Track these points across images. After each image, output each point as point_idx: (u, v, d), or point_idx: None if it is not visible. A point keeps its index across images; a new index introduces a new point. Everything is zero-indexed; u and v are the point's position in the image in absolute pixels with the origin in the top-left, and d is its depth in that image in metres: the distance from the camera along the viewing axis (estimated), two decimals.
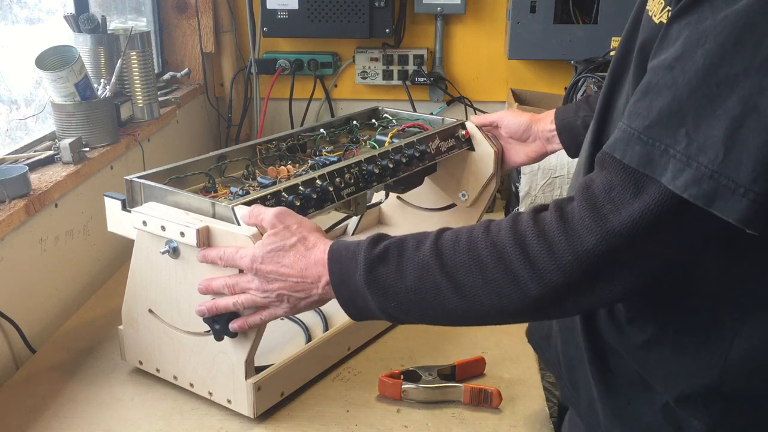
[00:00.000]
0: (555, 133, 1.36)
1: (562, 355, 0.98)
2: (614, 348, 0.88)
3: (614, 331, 0.87)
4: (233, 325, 1.00)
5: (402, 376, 1.15)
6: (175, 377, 1.15)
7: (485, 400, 1.12)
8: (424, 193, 1.63)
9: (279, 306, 0.96)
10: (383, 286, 0.85)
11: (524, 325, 1.36)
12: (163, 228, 1.04)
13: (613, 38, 2.07)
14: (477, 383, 1.16)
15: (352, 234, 1.68)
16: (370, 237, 0.89)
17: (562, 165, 1.85)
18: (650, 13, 0.79)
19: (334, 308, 1.35)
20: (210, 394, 1.11)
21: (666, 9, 0.76)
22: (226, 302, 0.99)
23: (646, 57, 0.78)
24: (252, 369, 1.07)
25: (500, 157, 1.49)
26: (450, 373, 1.17)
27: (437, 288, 0.81)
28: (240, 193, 1.16)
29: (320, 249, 0.93)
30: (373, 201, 1.73)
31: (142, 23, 2.14)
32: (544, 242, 0.75)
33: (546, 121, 1.39)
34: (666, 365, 0.84)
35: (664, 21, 0.76)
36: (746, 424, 0.82)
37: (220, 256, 0.98)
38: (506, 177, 2.04)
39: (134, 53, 1.72)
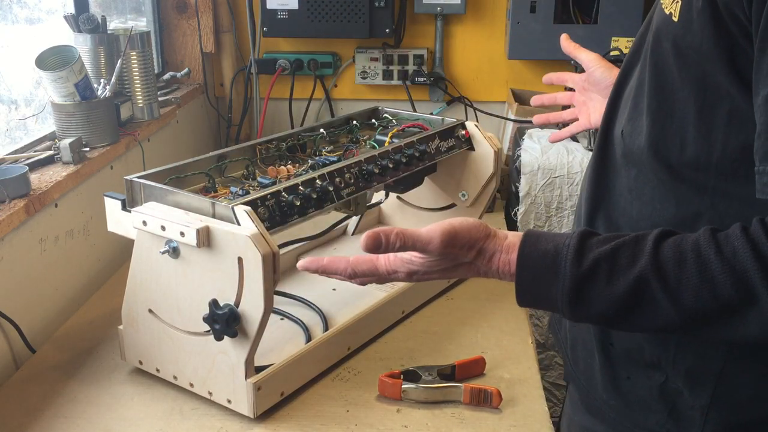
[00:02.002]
0: None
1: (569, 332, 1.01)
2: None
3: None
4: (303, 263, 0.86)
5: (402, 376, 1.15)
6: (175, 377, 1.15)
7: (485, 400, 1.12)
8: (424, 193, 1.63)
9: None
10: (587, 302, 0.77)
11: (524, 326, 1.36)
12: (163, 228, 1.04)
13: (613, 38, 2.07)
14: (477, 383, 1.16)
15: (352, 234, 1.68)
16: (575, 243, 0.77)
17: (562, 165, 1.85)
18: (663, 5, 0.80)
19: (334, 308, 1.36)
20: (210, 394, 1.11)
21: (676, 1, 0.77)
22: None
23: (661, 47, 0.79)
24: (252, 369, 1.07)
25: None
26: (450, 373, 1.17)
27: (654, 304, 0.74)
28: (240, 192, 1.16)
29: (503, 259, 0.81)
30: (373, 201, 1.73)
31: (142, 23, 2.14)
32: None
33: None
34: (673, 345, 0.85)
35: (674, 12, 0.77)
36: (740, 405, 0.84)
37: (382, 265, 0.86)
38: (506, 177, 2.04)
39: (134, 53, 1.72)
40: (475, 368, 1.20)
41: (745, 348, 0.81)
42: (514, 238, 0.82)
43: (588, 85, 1.23)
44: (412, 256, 0.84)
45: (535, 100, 1.34)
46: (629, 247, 0.76)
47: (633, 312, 0.75)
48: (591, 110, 1.23)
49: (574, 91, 1.28)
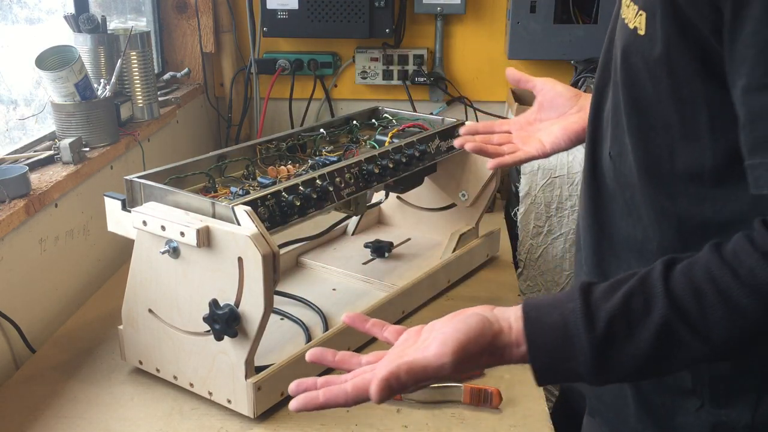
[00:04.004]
0: None
1: None
2: None
3: None
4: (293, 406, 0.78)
5: None
6: (175, 377, 1.15)
7: (485, 400, 1.12)
8: (424, 193, 1.63)
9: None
10: (614, 366, 0.72)
11: None
12: (163, 228, 1.04)
13: None
14: (477, 383, 1.15)
15: (352, 234, 1.69)
16: (581, 306, 0.72)
17: (562, 165, 1.85)
18: (625, 20, 0.79)
19: (334, 308, 1.36)
20: (210, 394, 1.11)
21: (639, 13, 0.75)
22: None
23: (630, 63, 0.78)
24: (252, 369, 1.07)
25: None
26: None
27: (685, 347, 0.70)
28: (240, 192, 1.16)
29: (514, 353, 0.76)
30: (373, 201, 1.73)
31: (142, 23, 2.14)
32: None
33: None
34: (706, 368, 0.82)
35: (639, 26, 0.75)
36: None
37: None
38: (506, 177, 2.04)
39: (134, 53, 1.72)
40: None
41: None
42: (518, 323, 0.76)
43: (540, 113, 1.17)
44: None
45: (510, 74, 1.23)
46: (639, 294, 0.71)
47: (664, 361, 0.71)
48: (543, 138, 1.13)
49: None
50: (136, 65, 1.73)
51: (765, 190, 0.66)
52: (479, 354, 0.76)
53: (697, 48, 0.71)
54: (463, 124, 1.52)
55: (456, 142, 1.14)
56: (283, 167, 1.29)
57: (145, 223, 1.06)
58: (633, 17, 0.77)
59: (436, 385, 1.12)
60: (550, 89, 1.18)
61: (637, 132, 0.80)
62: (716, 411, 0.83)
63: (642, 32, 0.75)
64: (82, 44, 1.61)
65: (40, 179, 1.37)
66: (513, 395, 1.15)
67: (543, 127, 1.16)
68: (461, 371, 0.76)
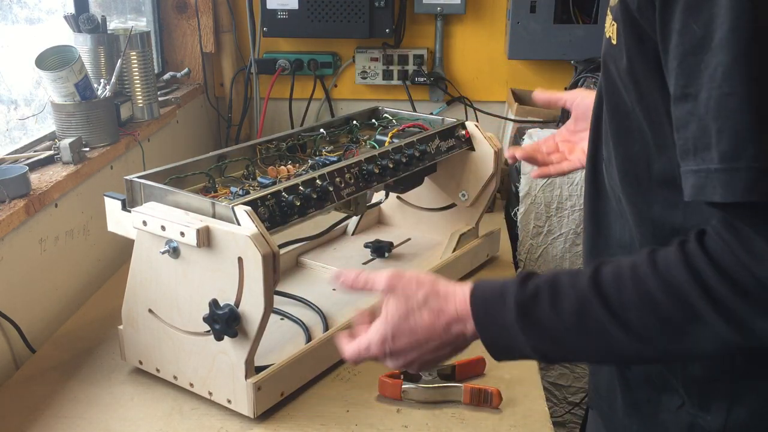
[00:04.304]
0: None
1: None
2: None
3: None
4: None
5: (402, 376, 1.15)
6: (175, 377, 1.15)
7: (485, 400, 1.12)
8: (424, 193, 1.63)
9: (412, 369, 0.89)
10: (539, 327, 0.77)
11: None
12: (163, 228, 1.04)
13: None
14: (477, 383, 1.15)
15: (352, 234, 1.68)
16: (518, 277, 0.80)
17: None
18: (605, 29, 0.82)
19: (334, 308, 1.36)
20: (210, 394, 1.11)
21: (612, 23, 0.78)
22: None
23: (609, 71, 0.81)
24: (252, 369, 1.07)
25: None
26: (450, 373, 1.17)
27: (602, 329, 0.74)
28: (240, 192, 1.16)
29: (459, 296, 0.82)
30: (373, 201, 1.73)
31: (142, 23, 2.14)
32: (721, 274, 0.68)
33: None
34: (680, 368, 0.85)
35: (612, 35, 0.78)
36: (756, 428, 0.83)
37: (355, 354, 0.88)
38: (506, 177, 2.04)
39: (134, 53, 1.72)
40: (475, 368, 1.20)
41: (751, 367, 0.80)
42: (464, 287, 0.82)
43: (577, 124, 1.22)
44: (371, 324, 0.86)
45: (538, 96, 1.28)
46: (570, 274, 0.77)
47: (585, 337, 0.75)
48: (581, 151, 1.19)
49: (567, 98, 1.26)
50: (136, 65, 1.73)
51: (691, 198, 0.68)
52: (416, 282, 0.84)
53: (654, 59, 0.73)
54: (463, 124, 1.52)
55: (507, 153, 1.22)
56: (283, 167, 1.29)
57: (145, 223, 1.06)
58: (609, 26, 0.80)
59: (436, 385, 1.13)
60: (581, 102, 1.21)
61: (616, 138, 0.84)
62: (694, 412, 0.85)
63: (614, 42, 0.78)
64: (82, 44, 1.61)
65: (40, 179, 1.37)
66: (513, 395, 1.15)
67: (584, 137, 1.16)
68: (399, 299, 0.83)
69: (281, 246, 1.47)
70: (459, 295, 0.82)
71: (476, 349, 1.25)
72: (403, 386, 1.12)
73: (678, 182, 0.71)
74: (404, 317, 0.83)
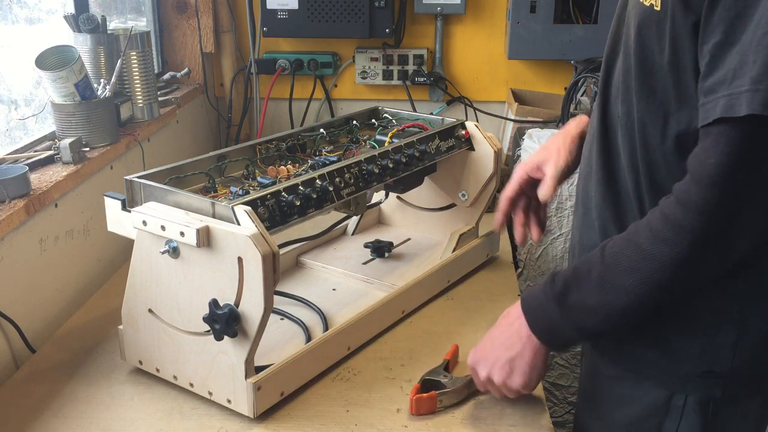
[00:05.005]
0: None
1: None
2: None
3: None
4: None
5: (422, 389, 1.12)
6: (174, 377, 1.15)
7: None
8: (424, 193, 1.63)
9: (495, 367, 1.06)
10: (570, 304, 0.97)
11: None
12: (163, 228, 1.04)
13: None
14: None
15: (352, 234, 1.69)
16: (548, 279, 1.01)
17: None
18: (647, 3, 0.91)
19: (334, 308, 1.36)
20: (210, 393, 1.11)
21: None
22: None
23: (643, 36, 0.92)
24: (252, 369, 1.07)
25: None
26: (446, 368, 1.18)
27: (602, 279, 0.93)
28: (240, 192, 1.16)
29: (515, 306, 1.06)
30: (373, 201, 1.73)
31: (142, 23, 2.15)
32: (678, 203, 0.86)
33: None
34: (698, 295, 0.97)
35: (655, 3, 0.88)
36: (761, 341, 0.98)
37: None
38: (506, 177, 2.04)
39: (134, 53, 1.72)
40: (457, 357, 1.22)
41: (754, 291, 0.95)
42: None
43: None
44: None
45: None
46: (583, 263, 0.99)
47: (603, 291, 0.94)
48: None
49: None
50: (136, 65, 1.73)
51: (718, 115, 0.81)
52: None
53: (694, 25, 0.85)
54: (462, 124, 1.52)
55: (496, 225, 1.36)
56: (283, 167, 1.29)
57: (145, 223, 1.06)
58: None
59: (462, 383, 1.14)
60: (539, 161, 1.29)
61: (640, 95, 0.94)
62: (708, 335, 0.98)
63: (657, 7, 0.88)
64: (82, 44, 1.61)
65: (40, 179, 1.37)
66: None
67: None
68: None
69: (281, 246, 1.47)
70: (515, 306, 1.06)
71: None
72: (438, 396, 1.11)
73: (691, 138, 0.87)
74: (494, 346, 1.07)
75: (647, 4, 0.91)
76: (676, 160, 0.92)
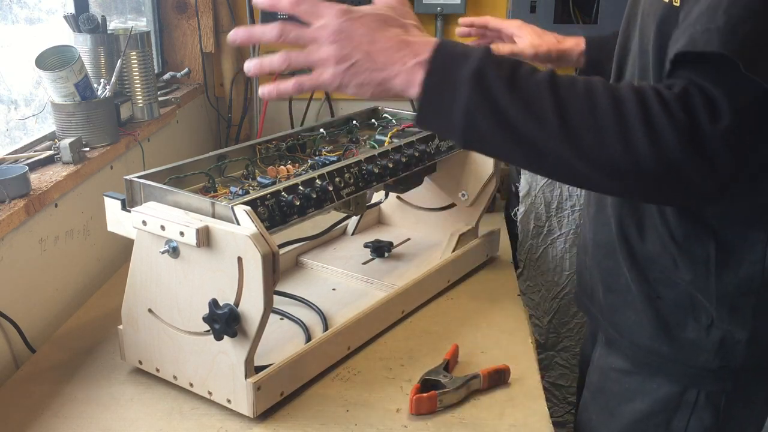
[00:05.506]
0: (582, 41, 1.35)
1: (604, 302, 1.12)
2: (664, 276, 1.01)
3: (667, 258, 1.00)
4: (263, 90, 0.89)
5: (422, 389, 1.13)
6: (174, 377, 1.15)
7: (500, 379, 1.15)
8: (424, 193, 1.63)
9: (335, 70, 0.85)
10: (488, 87, 0.80)
11: (524, 326, 1.36)
12: (162, 228, 1.04)
13: None
14: (488, 366, 1.17)
15: (352, 234, 1.69)
16: (487, 47, 0.85)
17: None
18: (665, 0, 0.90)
19: (334, 308, 1.36)
20: (210, 393, 1.11)
21: None
22: (279, 59, 0.91)
23: (663, 32, 0.89)
24: (252, 369, 1.07)
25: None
26: (446, 368, 1.18)
27: (542, 113, 0.79)
28: (240, 192, 1.16)
29: (425, 38, 0.87)
30: (373, 201, 1.73)
31: (142, 23, 2.15)
32: (667, 110, 0.77)
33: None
34: (714, 287, 0.98)
35: (674, 0, 0.87)
36: None
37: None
38: (506, 176, 2.04)
39: (134, 53, 1.72)
40: (457, 356, 1.22)
41: None
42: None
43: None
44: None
45: (463, 21, 1.36)
46: (531, 66, 0.83)
47: (524, 119, 0.79)
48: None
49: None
50: (136, 65, 1.73)
51: (684, 48, 0.80)
52: (399, 17, 0.90)
53: None
54: None
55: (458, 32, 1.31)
56: (282, 167, 1.29)
57: (144, 223, 1.06)
58: None
59: (462, 382, 1.13)
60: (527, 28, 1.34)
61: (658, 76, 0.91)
62: (724, 327, 0.99)
63: (677, 4, 0.87)
64: (82, 44, 1.61)
65: (40, 179, 1.37)
66: (513, 395, 1.15)
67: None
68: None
69: (281, 246, 1.47)
70: (425, 37, 0.87)
71: (476, 348, 1.26)
72: (438, 396, 1.11)
73: None
74: (377, 19, 0.86)
75: (666, 1, 0.90)
76: None
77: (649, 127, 0.76)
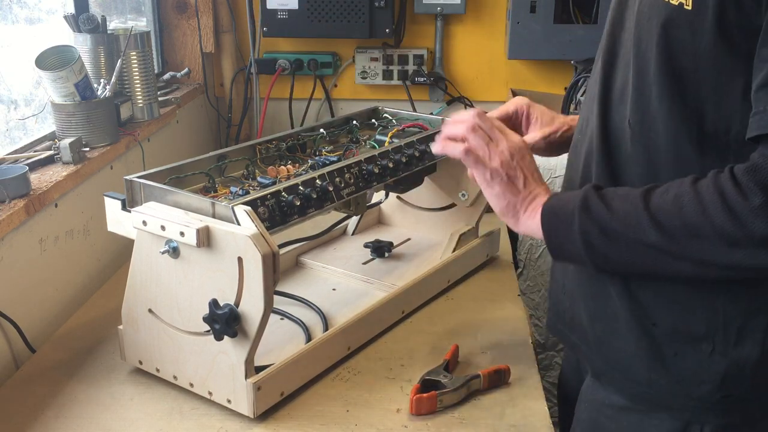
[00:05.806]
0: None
1: (590, 331, 1.03)
2: (659, 299, 0.94)
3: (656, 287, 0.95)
4: (436, 147, 1.13)
5: (422, 389, 1.12)
6: (174, 377, 1.15)
7: (501, 379, 1.15)
8: (424, 193, 1.63)
9: (494, 177, 1.05)
10: (593, 212, 0.91)
11: (524, 326, 1.36)
12: (163, 228, 1.04)
13: None
14: (489, 366, 1.17)
15: (352, 234, 1.69)
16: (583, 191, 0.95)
17: (563, 165, 1.84)
18: (674, 2, 0.86)
19: (334, 308, 1.36)
20: (210, 393, 1.11)
21: None
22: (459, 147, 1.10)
23: (671, 36, 0.86)
24: (252, 369, 1.07)
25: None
26: (446, 368, 1.18)
27: (638, 223, 0.87)
28: (240, 192, 1.16)
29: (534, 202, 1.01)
30: (373, 201, 1.73)
31: (142, 23, 2.15)
32: (741, 194, 0.81)
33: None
34: (721, 310, 0.91)
35: (684, 2, 0.84)
36: None
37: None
38: None
39: (134, 53, 1.72)
40: (457, 356, 1.22)
41: None
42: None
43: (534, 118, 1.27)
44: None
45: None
46: (628, 188, 0.92)
47: (627, 232, 0.88)
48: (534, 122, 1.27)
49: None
50: (136, 65, 1.73)
51: (757, 132, 0.80)
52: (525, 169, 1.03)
53: (745, 26, 0.81)
54: None
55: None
56: (283, 167, 1.29)
57: (145, 223, 1.06)
58: None
59: (463, 382, 1.13)
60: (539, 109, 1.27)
61: (664, 98, 0.89)
62: (728, 352, 0.91)
63: (689, 6, 0.84)
64: (82, 44, 1.61)
65: (40, 179, 1.37)
66: (513, 395, 1.15)
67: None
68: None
69: (281, 246, 1.47)
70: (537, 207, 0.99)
71: (476, 349, 1.26)
72: (438, 396, 1.11)
73: (729, 138, 0.85)
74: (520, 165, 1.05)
75: (675, 3, 0.86)
76: (710, 163, 0.87)
77: (730, 213, 0.81)
